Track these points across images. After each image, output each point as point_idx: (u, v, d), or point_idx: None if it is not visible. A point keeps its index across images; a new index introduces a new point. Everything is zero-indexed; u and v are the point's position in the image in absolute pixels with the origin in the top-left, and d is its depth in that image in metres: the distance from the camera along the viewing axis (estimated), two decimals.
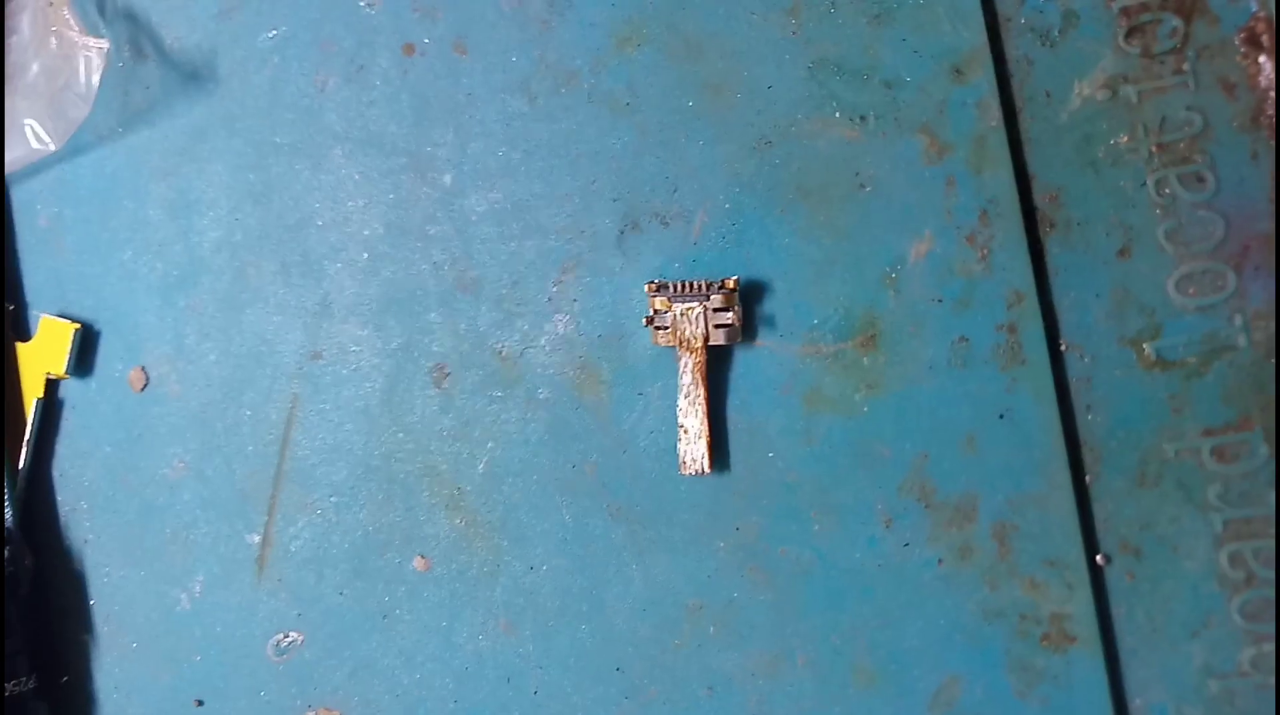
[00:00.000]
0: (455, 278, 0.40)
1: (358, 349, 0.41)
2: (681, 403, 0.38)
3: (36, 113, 0.43)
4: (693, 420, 0.37)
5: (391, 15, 0.41)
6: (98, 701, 0.44)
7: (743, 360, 0.38)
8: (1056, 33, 0.36)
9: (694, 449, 0.37)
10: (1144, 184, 0.35)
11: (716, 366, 0.38)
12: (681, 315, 0.37)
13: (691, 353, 0.37)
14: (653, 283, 0.38)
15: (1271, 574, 0.34)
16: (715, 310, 0.37)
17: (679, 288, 0.38)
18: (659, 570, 0.38)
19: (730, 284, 0.37)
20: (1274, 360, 0.34)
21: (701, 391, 0.37)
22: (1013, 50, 0.36)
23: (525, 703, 0.39)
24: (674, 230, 0.38)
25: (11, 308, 0.44)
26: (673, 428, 0.38)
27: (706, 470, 0.37)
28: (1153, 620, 0.35)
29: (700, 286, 0.37)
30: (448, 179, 0.40)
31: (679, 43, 0.38)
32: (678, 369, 0.38)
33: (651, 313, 0.38)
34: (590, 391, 0.39)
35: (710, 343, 0.37)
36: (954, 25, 0.36)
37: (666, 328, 0.38)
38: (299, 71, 0.42)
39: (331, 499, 0.41)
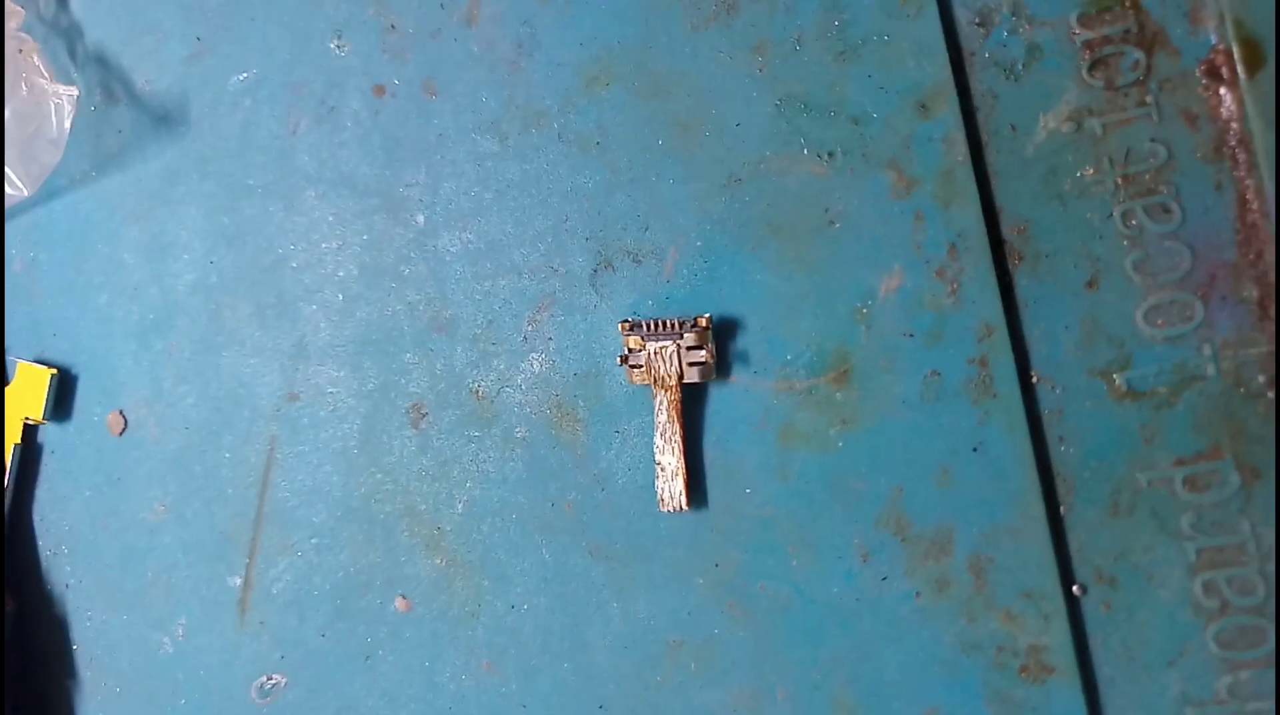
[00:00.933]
0: (430, 318, 0.40)
1: (335, 390, 0.41)
2: (658, 441, 0.38)
3: (9, 159, 0.43)
4: (669, 458, 0.38)
5: (361, 57, 0.41)
6: None
7: (717, 397, 0.38)
8: (1020, 66, 0.36)
9: (672, 486, 0.38)
10: (1110, 215, 0.35)
11: (692, 403, 0.38)
12: (655, 354, 0.37)
13: (666, 391, 0.38)
14: (626, 322, 0.38)
15: (1245, 601, 0.34)
16: (689, 348, 0.37)
17: (652, 326, 0.38)
18: (639, 607, 0.38)
19: (703, 322, 0.37)
20: (1242, 389, 0.34)
21: (678, 429, 0.37)
22: (977, 84, 0.36)
23: None
24: (646, 268, 0.39)
25: None
26: (650, 465, 0.38)
27: (684, 507, 0.38)
28: (1129, 650, 0.35)
29: (673, 325, 0.37)
30: (421, 219, 0.41)
31: (647, 82, 0.39)
32: (653, 407, 0.38)
33: (626, 352, 0.38)
34: (567, 430, 0.39)
35: (684, 381, 0.37)
36: (918, 61, 0.36)
37: (641, 366, 0.38)
38: (270, 114, 0.42)
39: (312, 540, 0.41)
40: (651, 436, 0.38)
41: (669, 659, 0.38)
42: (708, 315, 0.37)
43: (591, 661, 0.39)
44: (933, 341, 0.36)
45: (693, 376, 0.37)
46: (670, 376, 0.37)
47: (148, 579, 0.43)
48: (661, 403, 0.38)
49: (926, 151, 0.36)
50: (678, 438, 0.37)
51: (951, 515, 0.36)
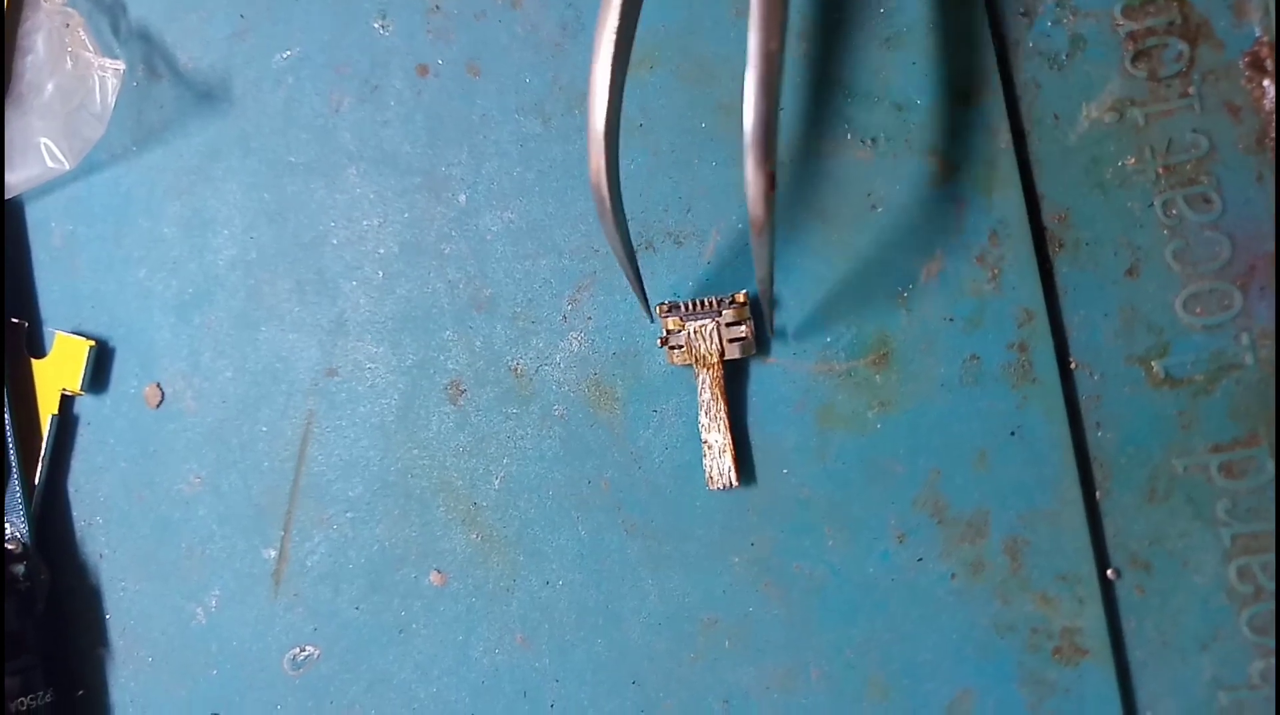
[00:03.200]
0: (470, 296, 0.41)
1: (373, 366, 0.42)
2: (703, 419, 0.38)
3: (51, 132, 0.43)
4: (716, 435, 0.38)
5: (405, 37, 0.41)
6: None
7: (756, 378, 0.38)
8: (1064, 57, 0.36)
9: (719, 463, 0.38)
10: (1151, 205, 0.35)
11: (731, 384, 0.38)
12: (695, 333, 0.38)
13: (708, 369, 0.38)
14: (664, 304, 0.38)
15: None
16: (728, 325, 0.38)
17: (690, 307, 0.38)
18: (674, 585, 0.39)
19: (740, 298, 0.38)
20: (1277, 378, 0.34)
21: (722, 406, 0.38)
22: (1021, 74, 0.36)
23: None
24: (688, 249, 0.39)
25: (26, 325, 0.45)
26: (687, 443, 0.39)
27: (735, 483, 0.38)
28: (1163, 634, 0.35)
29: (711, 303, 0.38)
30: (462, 198, 0.41)
31: (692, 65, 0.39)
32: (695, 386, 0.38)
33: (665, 333, 0.38)
34: (605, 408, 0.40)
35: (725, 357, 0.38)
36: (963, 49, 0.36)
37: (681, 347, 0.38)
38: (313, 91, 0.42)
39: (347, 514, 0.42)
40: (689, 416, 0.39)
41: (703, 636, 0.38)
42: (745, 291, 0.38)
43: (626, 638, 0.39)
44: (972, 326, 0.36)
45: (733, 352, 0.38)
46: (711, 354, 0.38)
47: (182, 550, 0.43)
48: (704, 381, 0.38)
49: (970, 139, 0.36)
50: (723, 415, 0.38)
51: (988, 498, 0.36)
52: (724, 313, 0.38)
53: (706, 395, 0.38)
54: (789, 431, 0.38)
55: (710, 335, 0.38)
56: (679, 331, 0.38)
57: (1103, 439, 0.36)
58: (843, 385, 0.37)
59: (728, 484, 0.38)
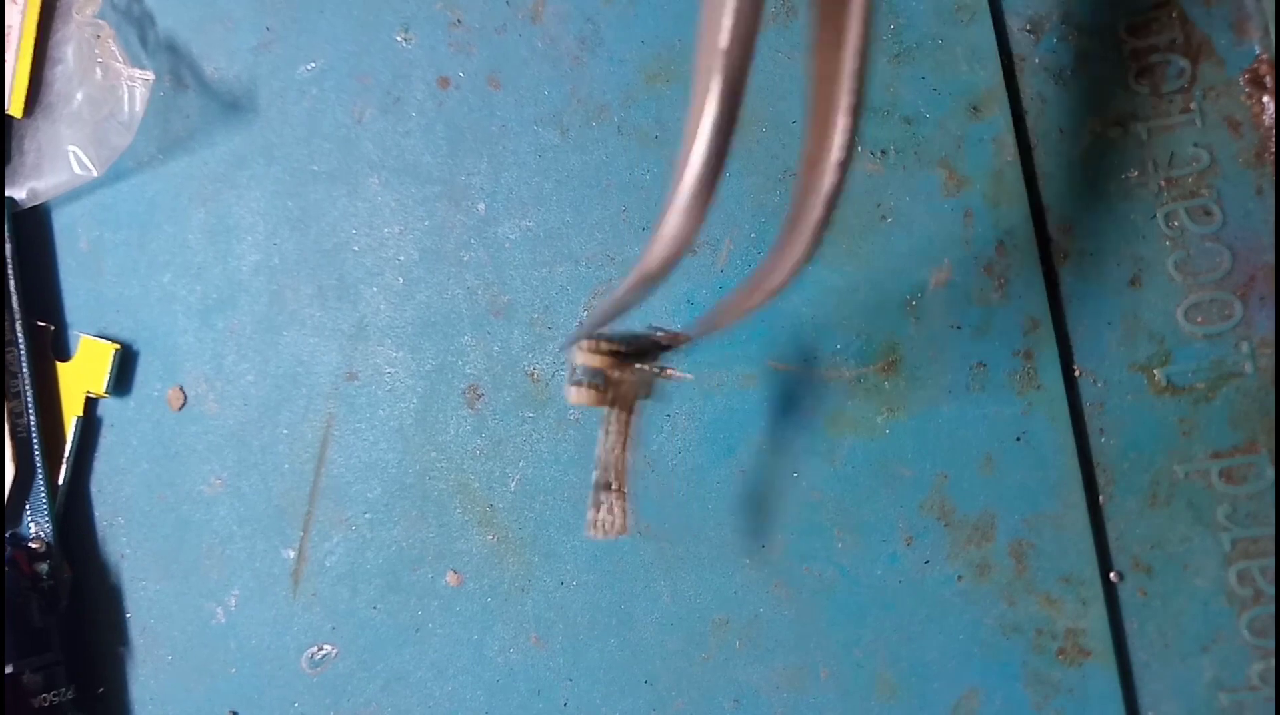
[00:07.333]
0: (488, 302, 0.42)
1: (393, 370, 0.43)
2: (605, 455, 0.35)
3: (80, 140, 0.45)
4: (609, 479, 0.35)
5: (427, 50, 0.43)
6: (133, 712, 0.45)
7: (768, 383, 0.39)
8: (1069, 72, 0.37)
9: (612, 512, 0.34)
10: (1153, 217, 0.36)
11: (743, 392, 0.39)
12: (623, 374, 0.34)
13: (627, 411, 0.34)
14: (596, 340, 0.33)
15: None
16: (660, 370, 0.34)
17: (618, 344, 0.33)
18: (686, 586, 0.40)
19: (675, 339, 0.33)
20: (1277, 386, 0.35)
21: (626, 454, 0.34)
22: (1028, 89, 0.37)
23: None
24: (701, 258, 0.40)
25: (52, 328, 0.46)
26: (699, 447, 0.39)
27: (625, 532, 0.34)
28: (1164, 635, 0.36)
29: (643, 342, 0.34)
30: (481, 207, 0.42)
31: None
32: (605, 426, 0.35)
33: (587, 371, 0.33)
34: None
35: (644, 398, 0.35)
36: (971, 65, 0.37)
37: (601, 387, 0.33)
38: (336, 102, 0.43)
39: (366, 515, 0.43)
40: (701, 420, 0.39)
41: (714, 637, 0.39)
42: (678, 331, 0.34)
43: (638, 638, 0.40)
44: (979, 334, 0.37)
45: (642, 392, 0.34)
46: (635, 396, 0.34)
47: (202, 550, 0.44)
48: (618, 424, 0.34)
49: (977, 152, 0.37)
50: (626, 462, 0.34)
51: (994, 502, 0.37)
52: (643, 352, 0.34)
53: (614, 439, 0.34)
54: (798, 436, 0.39)
55: (638, 378, 0.34)
56: (606, 371, 0.33)
57: (1106, 444, 0.37)
58: (852, 391, 0.38)
59: (619, 531, 0.34)
